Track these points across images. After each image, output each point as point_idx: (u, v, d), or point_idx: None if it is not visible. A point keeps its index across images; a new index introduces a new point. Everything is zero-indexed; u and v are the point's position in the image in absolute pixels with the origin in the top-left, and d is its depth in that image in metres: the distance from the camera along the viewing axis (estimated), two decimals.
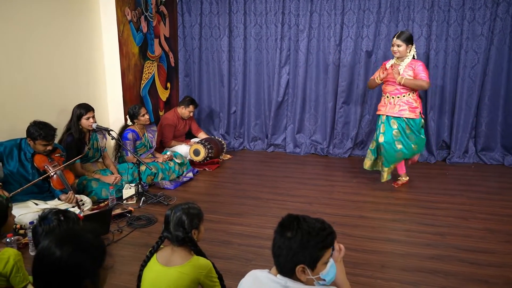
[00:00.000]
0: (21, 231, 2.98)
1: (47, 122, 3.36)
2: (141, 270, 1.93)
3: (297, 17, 5.46)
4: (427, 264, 2.72)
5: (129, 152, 4.29)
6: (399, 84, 3.92)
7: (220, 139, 5.52)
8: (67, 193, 3.40)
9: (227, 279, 2.08)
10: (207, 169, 4.99)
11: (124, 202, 3.82)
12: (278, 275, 1.49)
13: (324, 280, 1.48)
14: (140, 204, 3.77)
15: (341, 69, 5.41)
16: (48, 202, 3.40)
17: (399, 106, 3.97)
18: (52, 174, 3.34)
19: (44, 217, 1.79)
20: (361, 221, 3.42)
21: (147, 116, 4.49)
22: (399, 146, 4.03)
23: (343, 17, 5.28)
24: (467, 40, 4.94)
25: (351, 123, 5.59)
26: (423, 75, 3.85)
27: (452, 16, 4.94)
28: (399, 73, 3.91)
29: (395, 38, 3.88)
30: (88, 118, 3.88)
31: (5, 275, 1.89)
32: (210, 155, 5.01)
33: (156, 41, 5.50)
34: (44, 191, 3.46)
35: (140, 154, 4.50)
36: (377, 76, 4.09)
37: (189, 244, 1.91)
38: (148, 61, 5.35)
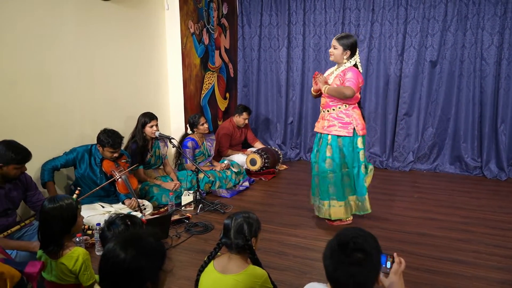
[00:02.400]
0: (89, 232, 3.15)
1: (115, 129, 3.55)
2: (198, 275, 1.96)
3: (357, 27, 5.37)
4: None
5: (188, 160, 4.42)
6: (322, 90, 3.34)
7: (276, 149, 5.52)
8: (130, 198, 3.56)
9: None
10: (263, 179, 5.01)
11: (183, 208, 3.92)
12: None
13: None
14: (198, 211, 3.85)
15: (403, 79, 5.23)
16: (113, 205, 3.58)
17: (328, 121, 3.35)
18: (117, 178, 3.52)
19: (112, 222, 1.87)
20: (423, 239, 3.24)
21: (206, 125, 4.60)
22: (328, 162, 3.35)
23: (406, 26, 5.11)
24: None
25: (413, 136, 5.36)
26: (348, 82, 3.17)
27: None
28: (325, 82, 3.34)
29: (334, 38, 3.31)
30: (151, 126, 4.05)
31: (74, 272, 2.01)
32: (266, 165, 5.02)
33: (216, 52, 5.66)
34: (110, 195, 3.64)
35: (199, 162, 4.62)
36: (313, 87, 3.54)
37: (248, 252, 1.92)
38: (209, 72, 5.50)
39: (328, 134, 3.34)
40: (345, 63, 3.29)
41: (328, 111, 3.36)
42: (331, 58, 3.35)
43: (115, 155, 3.52)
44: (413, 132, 5.36)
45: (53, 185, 3.41)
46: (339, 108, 3.32)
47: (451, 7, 4.87)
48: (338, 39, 3.28)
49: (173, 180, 4.19)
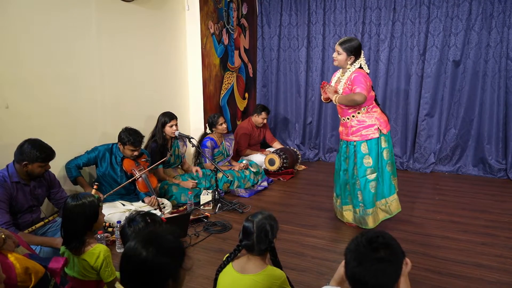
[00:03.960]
0: (110, 229, 3.20)
1: (136, 128, 3.60)
2: (217, 275, 1.96)
3: (378, 27, 5.30)
4: None
5: (207, 160, 4.44)
6: (332, 99, 3.28)
7: (295, 150, 5.50)
8: (150, 196, 3.60)
9: None
10: (281, 179, 4.99)
11: (201, 207, 3.94)
12: None
13: None
14: (216, 210, 3.87)
15: (424, 79, 5.14)
16: (133, 203, 3.62)
17: (351, 128, 3.28)
18: (138, 177, 3.56)
19: (132, 219, 1.89)
20: (445, 242, 3.17)
21: (224, 125, 4.62)
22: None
23: (428, 25, 5.01)
24: None
25: (435, 137, 5.26)
26: (357, 87, 3.09)
27: None
28: (335, 91, 3.25)
29: (337, 44, 3.24)
30: (171, 126, 4.09)
31: (96, 268, 2.04)
32: (284, 165, 5.01)
33: (236, 52, 5.67)
34: (130, 193, 3.70)
35: (218, 162, 4.64)
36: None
37: (270, 254, 1.92)
38: (228, 72, 5.52)
39: (355, 140, 3.28)
40: (349, 68, 3.23)
41: (348, 118, 3.29)
42: (335, 63, 3.28)
43: (135, 153, 3.56)
44: (434, 133, 5.26)
45: (84, 180, 3.51)
46: (358, 113, 3.26)
47: (476, 6, 4.76)
48: (341, 44, 3.20)
49: (194, 177, 4.22)
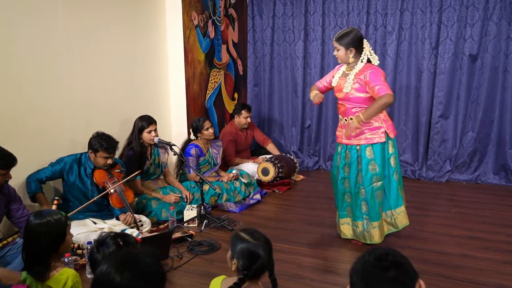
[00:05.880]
0: (79, 251, 3.17)
1: (109, 134, 3.59)
2: None
3: (385, 17, 5.37)
4: None
5: (191, 170, 4.44)
6: (362, 122, 3.20)
7: (292, 157, 5.52)
8: (126, 213, 3.59)
9: None
10: (277, 191, 5.01)
11: (185, 224, 3.94)
12: None
13: None
14: (202, 228, 3.87)
15: (437, 76, 5.20)
16: (106, 221, 3.62)
17: (356, 130, 3.28)
18: (111, 190, 3.55)
19: (102, 242, 1.86)
20: (463, 261, 3.20)
21: (211, 130, 4.63)
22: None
23: (441, 15, 5.09)
24: None
25: (450, 141, 5.32)
26: (378, 86, 3.10)
27: None
28: (358, 120, 3.18)
29: (333, 39, 3.31)
30: (150, 132, 4.09)
31: None
32: (280, 175, 5.02)
33: (223, 47, 5.70)
34: (103, 209, 3.68)
35: (204, 172, 4.64)
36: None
37: (270, 273, 1.95)
38: (215, 69, 5.55)
39: (358, 144, 3.31)
40: (353, 61, 3.28)
41: (351, 119, 3.28)
42: (339, 61, 3.38)
43: (109, 161, 3.55)
44: (450, 137, 5.31)
45: (44, 197, 3.46)
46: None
47: None
48: (337, 40, 3.27)
49: (180, 192, 4.23)
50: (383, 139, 3.29)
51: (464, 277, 2.96)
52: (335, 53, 3.34)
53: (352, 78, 3.26)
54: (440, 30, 5.12)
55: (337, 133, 3.50)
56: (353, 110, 3.30)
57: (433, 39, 5.17)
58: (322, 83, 3.61)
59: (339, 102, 3.40)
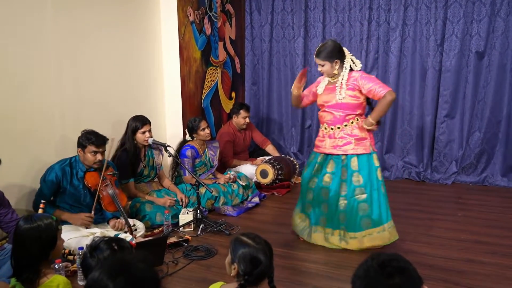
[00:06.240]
0: (70, 257, 3.17)
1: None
2: None
3: (388, 13, 5.38)
4: None
5: (187, 172, 4.44)
6: (375, 126, 3.38)
7: (292, 159, 5.52)
8: (118, 217, 3.58)
9: None
10: (276, 194, 5.01)
11: (181, 229, 3.93)
12: None
13: None
14: (199, 232, 3.86)
15: (443, 74, 5.21)
16: (99, 225, 3.61)
17: (342, 139, 3.41)
18: (104, 193, 3.55)
19: (95, 247, 1.85)
20: (470, 266, 3.20)
21: (207, 131, 4.63)
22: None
23: (446, 11, 5.10)
24: None
25: (456, 142, 5.33)
26: (377, 86, 3.28)
27: None
28: (370, 123, 3.35)
29: (315, 57, 3.43)
30: (144, 132, 4.08)
31: None
32: (279, 177, 5.02)
33: (220, 44, 5.70)
34: (95, 213, 3.67)
35: (200, 174, 4.64)
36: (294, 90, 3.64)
37: (270, 279, 1.94)
38: (211, 67, 5.55)
39: (344, 154, 3.41)
40: (338, 72, 3.39)
41: (338, 128, 3.42)
42: (325, 76, 3.47)
43: (99, 157, 3.51)
44: (456, 137, 5.32)
45: (60, 211, 3.45)
46: (352, 123, 3.41)
47: None
48: (319, 56, 3.38)
49: (175, 195, 4.22)
50: (369, 151, 3.41)
51: (471, 283, 2.96)
52: (320, 69, 3.44)
53: (343, 84, 3.36)
54: (446, 26, 5.13)
55: (317, 142, 3.58)
56: (347, 117, 3.40)
57: (438, 36, 5.18)
58: (305, 94, 3.71)
59: (326, 110, 3.48)
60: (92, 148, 3.47)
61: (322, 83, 3.54)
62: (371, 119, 3.33)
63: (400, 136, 5.61)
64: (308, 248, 3.56)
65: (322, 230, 3.55)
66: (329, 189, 3.47)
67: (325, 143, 3.50)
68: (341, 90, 3.36)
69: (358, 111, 3.42)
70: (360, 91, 3.36)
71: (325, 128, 3.50)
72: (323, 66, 3.39)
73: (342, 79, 3.38)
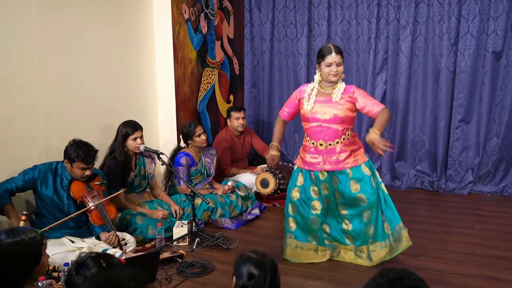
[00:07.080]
0: (54, 274, 3.17)
1: (89, 142, 3.59)
2: None
3: (398, 10, 5.40)
4: None
5: (181, 181, 4.44)
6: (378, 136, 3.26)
7: (294, 167, 5.51)
8: (108, 231, 3.58)
9: None
10: (278, 205, 5.01)
11: (175, 243, 3.93)
12: None
13: None
14: (194, 247, 3.86)
15: (457, 76, 5.23)
16: (85, 239, 3.60)
17: (341, 154, 3.41)
18: (91, 206, 3.54)
19: (81, 264, 1.85)
20: (488, 284, 3.20)
21: (203, 137, 4.64)
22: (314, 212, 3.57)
23: (461, 7, 5.13)
24: None
25: (472, 149, 5.34)
26: (372, 103, 3.36)
27: None
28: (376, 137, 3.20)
29: (333, 54, 3.31)
30: (135, 139, 4.09)
31: None
32: (281, 186, 5.02)
33: (217, 43, 5.73)
34: (81, 226, 3.67)
35: (195, 184, 4.64)
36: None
37: None
38: (208, 68, 5.57)
39: (347, 168, 3.42)
40: (339, 81, 3.45)
41: (337, 142, 3.42)
42: (335, 79, 3.39)
43: (87, 173, 3.54)
44: (472, 144, 5.33)
45: (13, 209, 3.40)
46: (348, 134, 3.44)
47: None
48: (340, 53, 3.37)
49: (169, 206, 4.23)
50: (366, 158, 3.49)
51: None
52: (335, 69, 3.34)
53: (340, 97, 3.38)
54: (460, 24, 5.15)
55: (310, 159, 3.51)
56: (344, 130, 3.40)
57: (452, 34, 5.20)
58: (286, 110, 3.67)
59: (322, 125, 3.41)
60: (80, 165, 3.48)
61: (310, 99, 3.45)
62: (377, 131, 3.19)
63: (411, 142, 5.62)
64: (312, 264, 3.56)
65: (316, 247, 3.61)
66: (339, 204, 3.52)
67: (324, 159, 3.44)
68: (341, 106, 3.38)
69: (352, 124, 3.50)
70: (355, 104, 3.39)
71: (320, 145, 3.43)
72: (340, 66, 3.36)
73: (339, 90, 3.40)
